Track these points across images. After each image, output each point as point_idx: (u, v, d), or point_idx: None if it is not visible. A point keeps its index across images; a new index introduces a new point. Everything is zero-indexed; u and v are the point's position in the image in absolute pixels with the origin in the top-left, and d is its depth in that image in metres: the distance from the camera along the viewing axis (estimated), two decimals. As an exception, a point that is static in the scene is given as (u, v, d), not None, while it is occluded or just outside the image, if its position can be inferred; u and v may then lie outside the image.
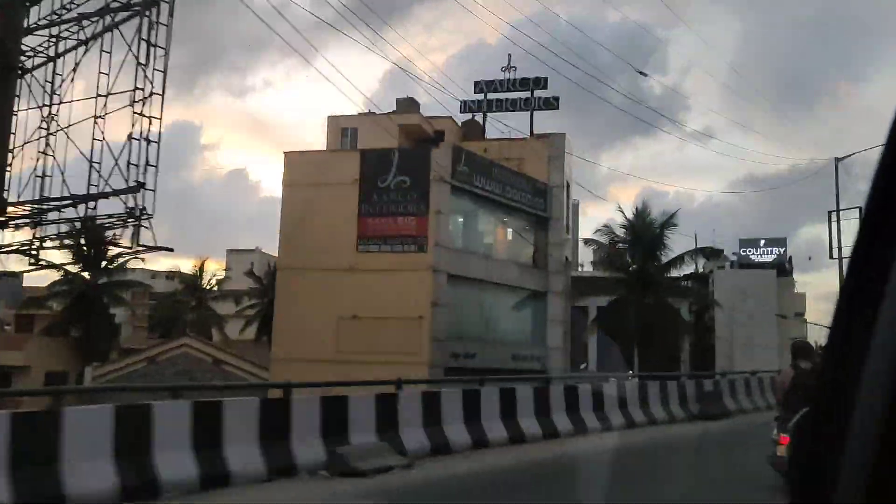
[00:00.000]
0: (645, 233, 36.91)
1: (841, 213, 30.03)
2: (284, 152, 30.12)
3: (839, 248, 30.18)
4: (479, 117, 36.64)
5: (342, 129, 32.83)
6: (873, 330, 0.92)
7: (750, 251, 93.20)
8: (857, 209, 29.83)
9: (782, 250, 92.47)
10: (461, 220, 30.46)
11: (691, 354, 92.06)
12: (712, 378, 21.13)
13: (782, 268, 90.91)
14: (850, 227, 29.72)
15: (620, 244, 37.68)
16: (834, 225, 30.28)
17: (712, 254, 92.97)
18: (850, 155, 29.89)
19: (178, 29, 20.01)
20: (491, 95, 36.44)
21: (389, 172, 28.04)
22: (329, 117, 33.41)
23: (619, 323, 37.41)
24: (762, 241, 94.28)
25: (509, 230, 33.72)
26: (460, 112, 36.57)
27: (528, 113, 35.82)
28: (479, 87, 36.48)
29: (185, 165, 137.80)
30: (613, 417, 16.44)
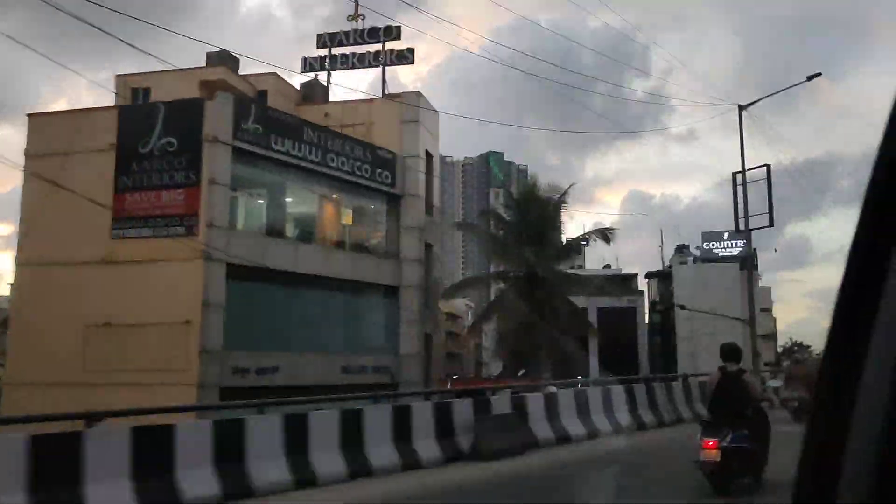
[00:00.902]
0: (532, 215, 30.14)
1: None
2: (28, 114, 23.39)
3: (745, 216, 23.61)
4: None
5: (132, 90, 26.11)
6: (872, 330, 0.90)
7: (713, 245, 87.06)
8: (766, 167, 23.38)
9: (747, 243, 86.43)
10: (260, 194, 23.75)
11: (655, 356, 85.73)
12: (516, 392, 14.54)
13: (749, 261, 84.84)
14: (760, 189, 23.31)
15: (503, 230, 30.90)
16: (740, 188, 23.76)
17: (680, 249, 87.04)
18: (754, 102, 23.59)
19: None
20: (336, 50, 29.88)
21: (153, 133, 21.38)
22: (117, 76, 26.68)
23: (508, 322, 30.64)
24: (725, 235, 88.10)
25: (348, 210, 27.04)
26: (301, 71, 30.05)
27: (391, 71, 29.29)
28: (322, 40, 29.92)
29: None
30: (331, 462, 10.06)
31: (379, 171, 26.06)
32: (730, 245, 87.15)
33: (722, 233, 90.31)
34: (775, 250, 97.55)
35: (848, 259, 0.97)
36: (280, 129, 22.80)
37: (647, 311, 76.64)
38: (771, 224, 23.20)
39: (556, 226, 30.46)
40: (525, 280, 29.95)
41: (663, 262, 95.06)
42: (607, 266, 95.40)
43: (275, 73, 27.66)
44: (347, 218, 26.65)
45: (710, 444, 8.15)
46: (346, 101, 28.41)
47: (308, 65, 29.74)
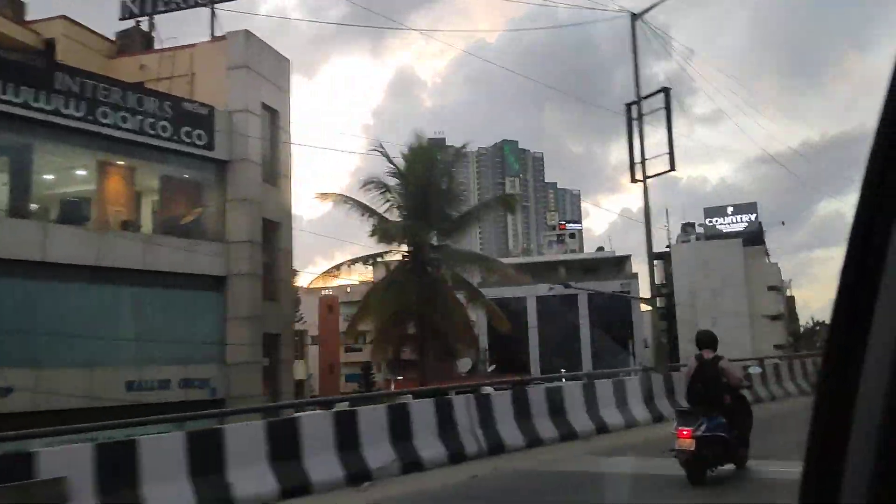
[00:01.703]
0: (415, 181, 24.06)
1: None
2: None
3: (642, 158, 17.37)
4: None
5: None
6: (872, 320, 0.91)
7: (717, 221, 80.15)
8: (663, 92, 17.12)
9: (752, 216, 79.20)
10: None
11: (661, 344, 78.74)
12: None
13: (757, 237, 77.91)
14: (658, 122, 17.09)
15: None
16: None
17: (685, 227, 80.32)
18: (648, 10, 17.40)
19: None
20: (159, -11, 24.24)
21: None
22: None
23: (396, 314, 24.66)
24: (729, 209, 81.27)
25: (151, 181, 21.39)
26: (121, 18, 24.49)
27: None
28: (141, -22, 24.29)
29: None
30: None
31: (188, 129, 20.38)
32: (734, 220, 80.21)
33: (725, 207, 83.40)
34: (783, 223, 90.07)
35: (849, 242, 0.94)
36: (10, 74, 17.22)
37: (648, 295, 69.99)
38: (672, 168, 17.05)
39: (447, 194, 24.39)
40: (409, 262, 24.09)
41: (670, 242, 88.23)
42: (600, 248, 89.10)
43: (64, 17, 22.08)
44: (149, 191, 21.03)
45: (685, 433, 8.04)
46: (164, 50, 22.80)
47: (127, 9, 24.15)
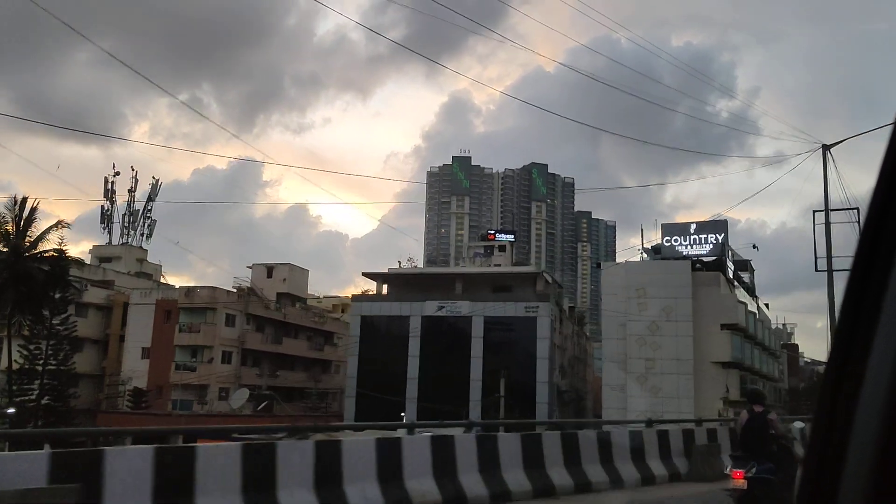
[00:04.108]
0: None
1: None
2: None
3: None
4: None
5: None
6: (872, 344, 0.94)
7: (676, 241, 63.81)
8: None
9: (720, 237, 62.63)
10: None
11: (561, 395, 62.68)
12: None
13: (721, 262, 61.57)
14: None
15: None
16: None
17: (655, 250, 64.77)
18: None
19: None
20: None
21: None
22: None
23: None
24: (692, 227, 65.05)
25: None
26: None
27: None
28: None
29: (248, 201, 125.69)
30: None
31: None
32: (698, 241, 63.82)
33: (687, 225, 67.20)
34: (754, 247, 73.82)
35: (850, 274, 0.97)
36: None
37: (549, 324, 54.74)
38: None
39: None
40: None
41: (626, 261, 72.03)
42: (519, 263, 74.26)
43: None
44: None
45: (738, 474, 9.14)
46: None
47: None
